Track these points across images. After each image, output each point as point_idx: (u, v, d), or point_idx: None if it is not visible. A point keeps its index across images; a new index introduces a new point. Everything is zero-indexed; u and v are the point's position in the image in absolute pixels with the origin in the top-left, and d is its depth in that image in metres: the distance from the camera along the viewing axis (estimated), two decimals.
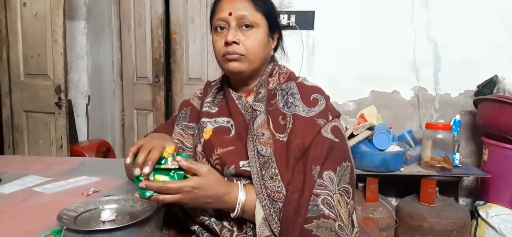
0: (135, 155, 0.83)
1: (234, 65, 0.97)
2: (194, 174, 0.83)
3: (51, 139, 2.58)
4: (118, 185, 1.17)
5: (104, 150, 2.92)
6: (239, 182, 0.90)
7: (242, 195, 0.87)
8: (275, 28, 1.03)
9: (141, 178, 0.80)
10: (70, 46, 2.86)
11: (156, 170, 0.82)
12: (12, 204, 1.01)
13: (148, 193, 0.79)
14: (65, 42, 2.46)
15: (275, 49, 1.08)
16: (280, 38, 1.08)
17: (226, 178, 0.92)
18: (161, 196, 0.80)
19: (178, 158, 0.83)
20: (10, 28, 2.63)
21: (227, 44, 0.95)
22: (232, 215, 0.88)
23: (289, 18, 2.64)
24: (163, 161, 0.83)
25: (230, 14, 0.96)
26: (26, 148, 2.71)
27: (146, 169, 0.79)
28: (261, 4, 0.98)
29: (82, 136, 3.07)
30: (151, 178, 0.81)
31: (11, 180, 1.21)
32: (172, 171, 0.82)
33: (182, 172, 0.83)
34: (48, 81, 2.53)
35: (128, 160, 0.83)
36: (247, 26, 0.96)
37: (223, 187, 0.86)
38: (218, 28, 0.99)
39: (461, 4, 2.53)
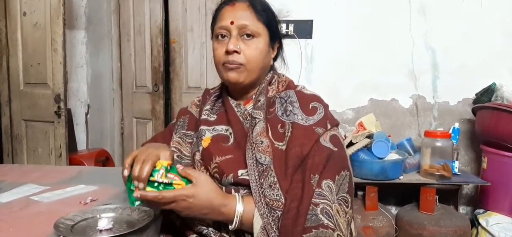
0: (131, 166, 0.84)
1: (232, 75, 0.97)
2: (190, 182, 0.83)
3: (50, 148, 2.57)
4: (115, 193, 1.16)
5: (103, 159, 2.92)
6: (236, 194, 0.89)
7: (240, 207, 0.86)
8: (276, 37, 1.03)
9: (132, 187, 0.82)
10: (69, 55, 2.88)
11: (148, 182, 0.82)
12: (10, 213, 1.00)
13: (137, 202, 0.81)
14: (65, 51, 2.47)
15: (275, 58, 1.08)
16: (280, 47, 1.08)
17: (224, 188, 0.91)
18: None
19: (178, 166, 0.83)
20: (10, 37, 2.64)
21: (227, 52, 0.95)
22: (230, 227, 0.87)
23: (287, 27, 2.65)
24: (154, 173, 0.83)
25: (232, 23, 0.95)
26: (25, 157, 2.71)
27: (140, 185, 0.81)
28: (263, 13, 0.98)
29: (81, 145, 3.06)
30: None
31: (8, 189, 1.20)
32: (161, 185, 0.82)
33: (172, 186, 0.82)
34: (48, 90, 2.53)
35: (126, 173, 0.84)
36: (248, 35, 0.96)
37: (219, 198, 0.85)
38: (219, 36, 0.98)
39: (458, 12, 2.55)
